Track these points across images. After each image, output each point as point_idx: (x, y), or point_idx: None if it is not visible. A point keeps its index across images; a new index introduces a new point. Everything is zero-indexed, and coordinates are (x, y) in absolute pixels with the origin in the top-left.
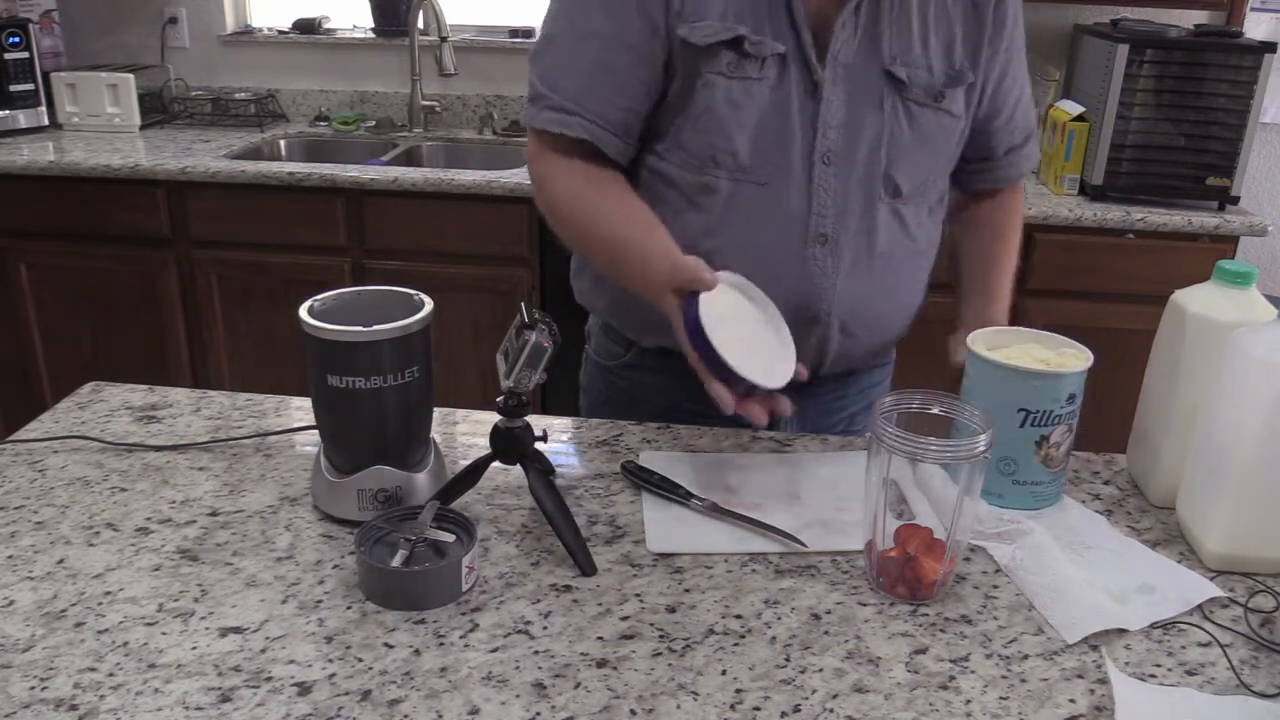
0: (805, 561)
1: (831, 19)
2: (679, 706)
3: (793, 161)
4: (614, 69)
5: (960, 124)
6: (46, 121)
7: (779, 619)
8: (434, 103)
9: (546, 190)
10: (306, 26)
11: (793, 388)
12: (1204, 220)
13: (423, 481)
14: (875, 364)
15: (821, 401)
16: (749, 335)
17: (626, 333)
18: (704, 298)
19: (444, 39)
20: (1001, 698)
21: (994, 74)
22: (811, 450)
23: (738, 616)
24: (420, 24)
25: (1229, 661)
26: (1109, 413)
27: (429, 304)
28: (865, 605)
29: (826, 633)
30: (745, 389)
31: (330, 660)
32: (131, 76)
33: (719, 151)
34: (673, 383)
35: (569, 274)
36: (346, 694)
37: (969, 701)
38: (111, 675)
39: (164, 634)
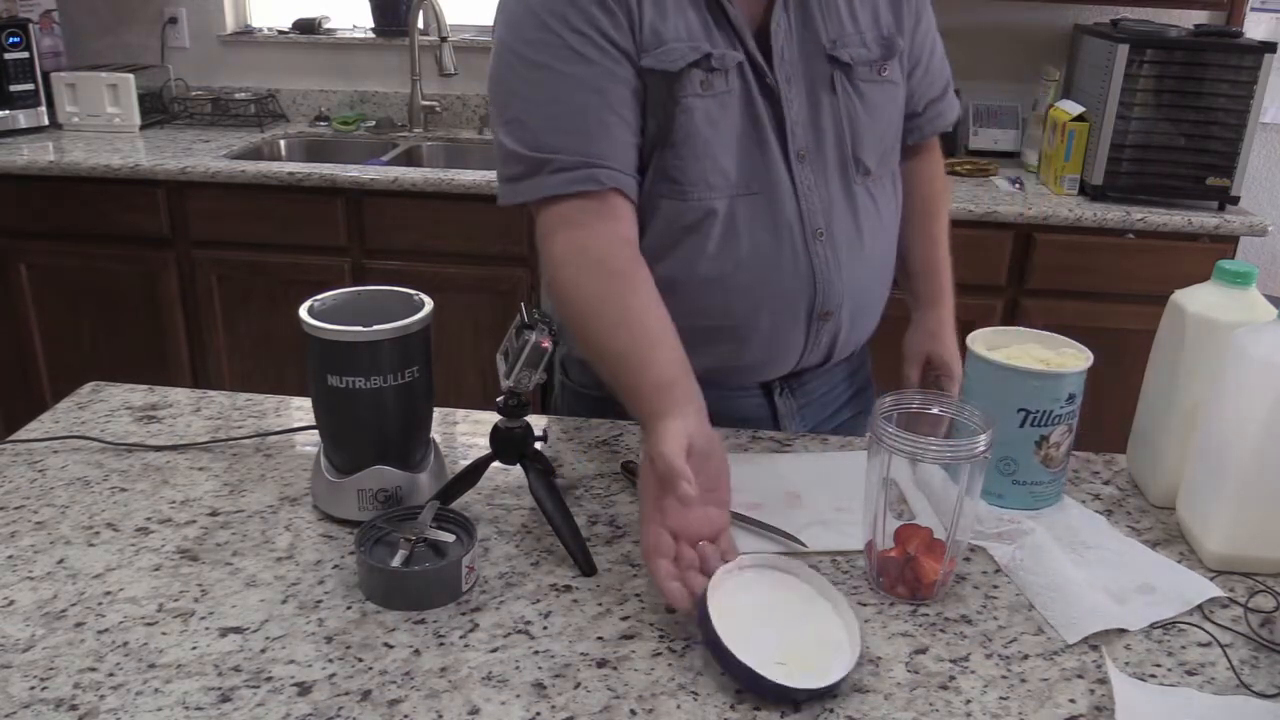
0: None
1: (766, 22)
2: (679, 706)
3: (775, 166)
4: (611, 108)
5: (902, 90)
6: (46, 121)
7: None
8: (434, 103)
9: (567, 290)
10: (306, 26)
11: (794, 386)
12: (1204, 220)
13: (423, 481)
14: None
15: (818, 386)
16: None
17: None
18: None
19: (444, 39)
20: (1001, 698)
21: (909, 26)
22: (811, 450)
23: None
24: (420, 24)
25: (1229, 661)
26: (1109, 413)
27: (429, 304)
28: (865, 605)
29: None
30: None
31: (330, 660)
32: (131, 76)
33: (709, 173)
34: None
35: None
36: (346, 694)
37: (969, 701)
38: (111, 675)
39: (164, 634)
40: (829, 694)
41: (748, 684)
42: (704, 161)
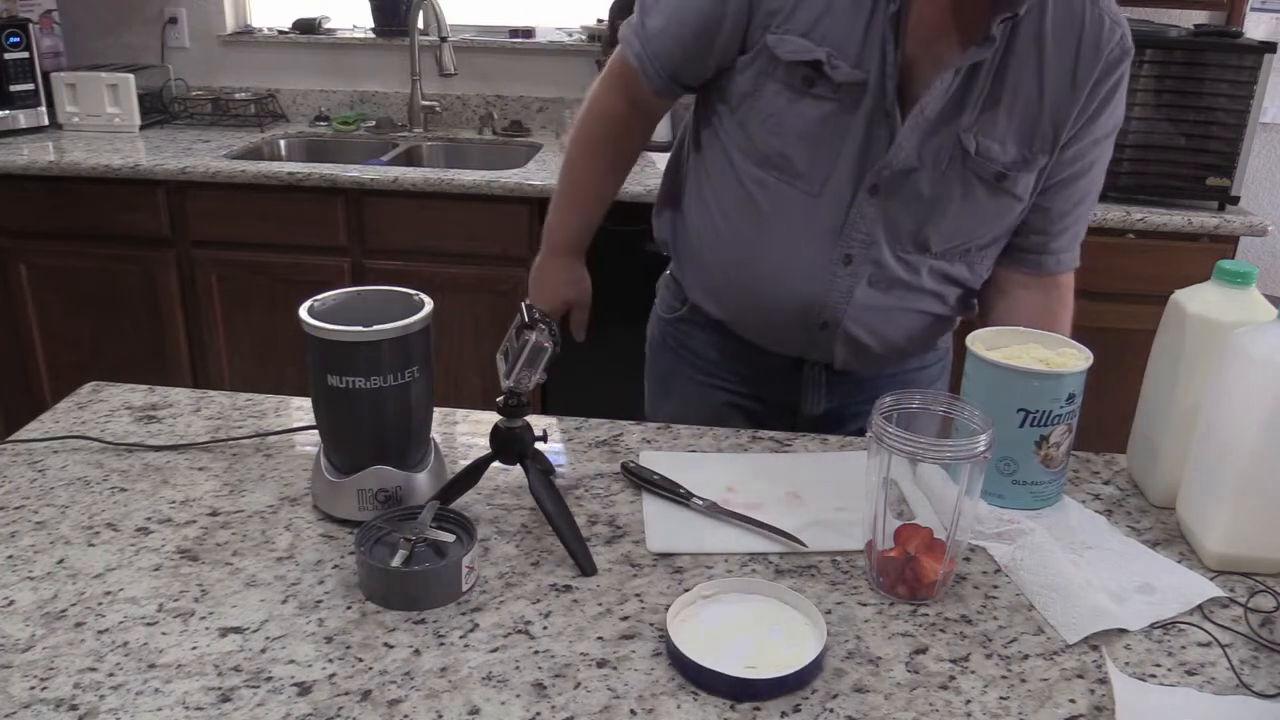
0: (805, 561)
1: (928, 73)
2: (679, 706)
3: (842, 182)
4: (687, 24)
5: (1021, 205)
6: (46, 121)
7: None
8: (434, 103)
9: (580, 117)
10: (306, 26)
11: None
12: (1204, 220)
13: (423, 481)
14: (902, 363)
15: (855, 378)
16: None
17: (683, 284)
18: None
19: (444, 39)
20: (1001, 698)
21: (1058, 148)
22: (811, 450)
23: None
24: (420, 24)
25: (1229, 661)
26: (1109, 413)
27: (429, 304)
28: (865, 605)
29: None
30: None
31: (330, 660)
32: (131, 76)
33: (775, 153)
34: (717, 340)
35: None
36: (346, 694)
37: (969, 701)
38: (111, 675)
39: (164, 634)
40: (797, 685)
41: (712, 685)
42: (774, 140)
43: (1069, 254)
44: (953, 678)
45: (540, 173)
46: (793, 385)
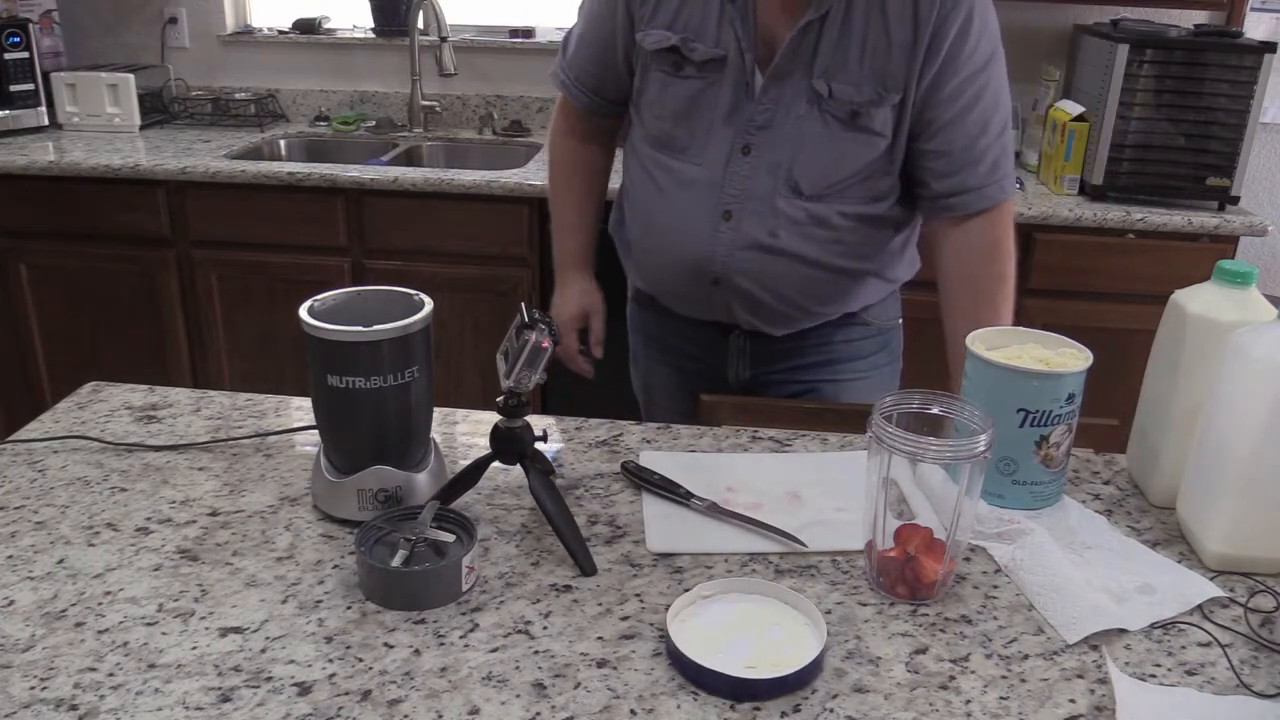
0: (805, 561)
1: (779, 35)
2: (679, 706)
3: (717, 148)
4: (608, 48)
5: (883, 141)
6: (46, 121)
7: None
8: (434, 103)
9: (547, 152)
10: (306, 26)
11: (752, 338)
12: (1204, 220)
13: (423, 481)
14: (805, 321)
15: (777, 346)
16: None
17: (625, 268)
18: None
19: (444, 39)
20: (1001, 698)
21: (921, 88)
22: (811, 450)
23: None
24: (420, 24)
25: (1229, 661)
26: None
27: (429, 304)
28: (865, 605)
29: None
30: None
31: (330, 660)
32: (131, 76)
33: (662, 134)
34: (655, 317)
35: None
36: (346, 694)
37: (969, 701)
38: (111, 675)
39: (164, 634)
40: (797, 685)
41: (712, 685)
42: (662, 124)
43: (993, 187)
44: (953, 678)
45: (540, 173)
46: (720, 353)
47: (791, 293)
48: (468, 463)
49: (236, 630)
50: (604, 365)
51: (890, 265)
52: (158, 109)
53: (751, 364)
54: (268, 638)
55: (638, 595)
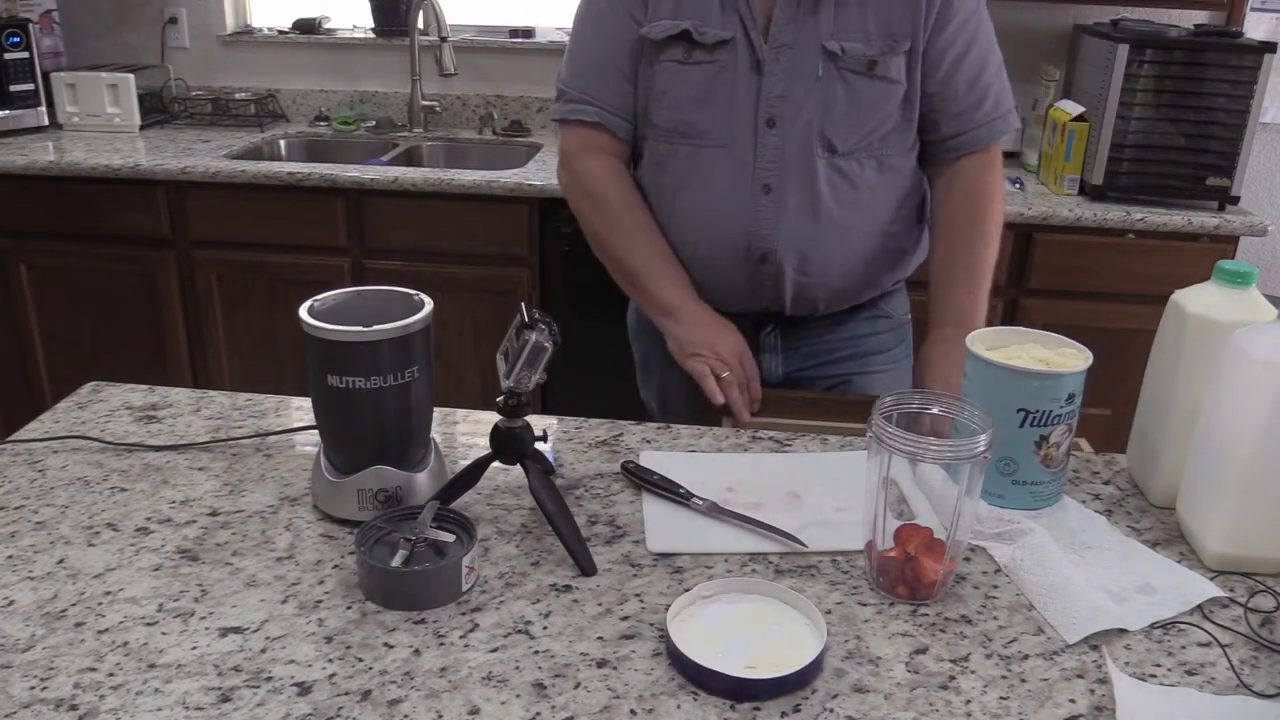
0: (805, 561)
1: (773, 6)
2: (679, 706)
3: (742, 127)
4: (613, 58)
5: (900, 88)
6: (46, 121)
7: None
8: (434, 103)
9: (579, 218)
10: (306, 26)
11: (783, 323)
12: (1204, 220)
13: (423, 481)
14: (848, 308)
15: (810, 340)
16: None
17: None
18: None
19: (444, 39)
20: (1001, 698)
21: (926, 32)
22: (811, 450)
23: None
24: (420, 24)
25: (1229, 661)
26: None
27: (429, 304)
28: (865, 605)
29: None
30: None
31: (330, 660)
32: (131, 76)
33: (678, 123)
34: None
35: (571, 269)
36: (346, 694)
37: (969, 701)
38: (111, 675)
39: (164, 634)
40: (797, 685)
41: (712, 685)
42: (676, 114)
43: (1000, 120)
44: (953, 678)
45: (540, 173)
46: (751, 351)
47: (835, 260)
48: (468, 463)
49: (236, 630)
50: (604, 365)
51: (911, 234)
52: (158, 109)
53: (784, 362)
54: (268, 638)
55: (638, 595)
